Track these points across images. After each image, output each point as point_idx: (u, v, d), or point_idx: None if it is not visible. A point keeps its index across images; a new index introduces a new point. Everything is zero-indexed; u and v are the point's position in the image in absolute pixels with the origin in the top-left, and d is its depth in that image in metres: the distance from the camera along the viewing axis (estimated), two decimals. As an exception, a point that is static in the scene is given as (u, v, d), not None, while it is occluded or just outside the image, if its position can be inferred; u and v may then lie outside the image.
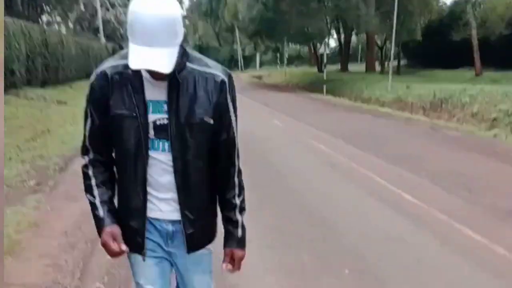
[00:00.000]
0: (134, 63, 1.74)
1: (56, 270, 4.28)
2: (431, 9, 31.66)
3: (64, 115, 14.74)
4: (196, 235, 2.10)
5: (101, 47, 32.66)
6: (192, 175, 2.01)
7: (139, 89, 1.92)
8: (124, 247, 1.97)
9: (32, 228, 5.30)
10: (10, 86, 14.58)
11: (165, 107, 1.92)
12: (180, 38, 1.82)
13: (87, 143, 2.05)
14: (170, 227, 2.07)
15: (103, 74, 1.95)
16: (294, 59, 56.37)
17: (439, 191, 7.07)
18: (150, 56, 1.73)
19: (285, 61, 47.01)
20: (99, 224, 2.01)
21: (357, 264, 4.52)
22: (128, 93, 1.91)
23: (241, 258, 2.15)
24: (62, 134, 11.97)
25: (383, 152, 9.85)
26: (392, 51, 24.12)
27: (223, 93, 1.98)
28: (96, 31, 41.40)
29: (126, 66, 1.83)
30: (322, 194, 6.93)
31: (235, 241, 2.14)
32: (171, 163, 1.97)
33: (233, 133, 2.07)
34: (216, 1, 58.93)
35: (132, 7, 1.76)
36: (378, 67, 35.71)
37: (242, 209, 2.15)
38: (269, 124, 14.56)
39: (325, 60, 28.36)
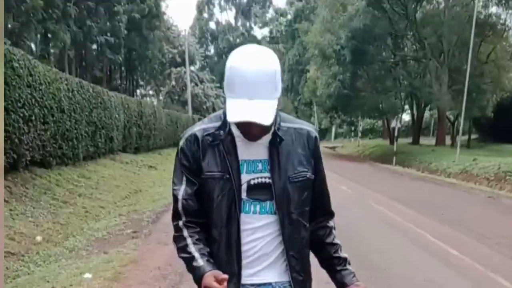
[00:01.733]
0: (234, 115, 1.74)
1: (153, 294, 5.49)
2: (503, 88, 31.97)
3: (154, 178, 16.57)
4: None
5: (188, 118, 35.16)
6: (299, 234, 1.95)
7: (232, 150, 1.88)
8: (226, 276, 1.79)
9: (132, 264, 6.51)
10: (108, 151, 16.57)
11: (260, 166, 1.90)
12: (279, 92, 1.81)
13: (179, 208, 1.96)
14: None
15: (194, 137, 1.93)
16: (368, 132, 57.30)
17: (483, 248, 7.88)
18: (251, 109, 1.72)
19: (359, 134, 48.14)
20: (199, 272, 1.84)
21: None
22: (220, 154, 1.88)
23: None
24: (152, 193, 13.64)
25: (438, 216, 10.68)
26: (461, 127, 24.70)
27: (317, 148, 2.02)
28: (184, 103, 44.63)
29: (218, 128, 1.89)
30: (376, 246, 7.86)
31: (353, 275, 2.04)
32: (267, 225, 1.92)
33: (326, 183, 2.10)
34: (297, 78, 61.62)
35: (231, 61, 1.77)
36: (450, 141, 35.95)
37: (341, 250, 2.11)
38: (336, 189, 15.22)
39: (396, 134, 29.29)
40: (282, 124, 1.95)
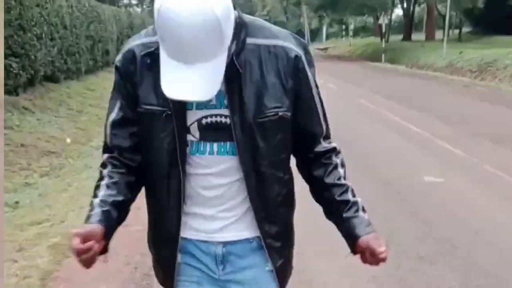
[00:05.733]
0: (166, 89, 1.30)
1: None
2: (494, -26, 32.03)
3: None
4: (284, 267, 1.63)
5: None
6: (272, 191, 1.52)
7: None
8: (78, 230, 1.36)
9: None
10: (105, 64, 17.35)
11: (213, 99, 1.41)
12: (228, 40, 1.32)
13: (108, 139, 1.56)
14: (219, 249, 1.56)
15: (131, 53, 1.48)
16: (360, 31, 57.47)
17: (438, 123, 9.72)
18: (188, 80, 1.28)
19: (350, 33, 48.46)
20: (85, 223, 1.44)
21: (367, 164, 6.78)
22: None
23: (383, 244, 1.49)
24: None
25: (411, 103, 12.40)
26: (447, 18, 25.36)
27: (301, 73, 1.48)
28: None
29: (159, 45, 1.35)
30: (352, 128, 9.41)
31: (367, 224, 1.54)
32: (229, 170, 1.49)
33: (322, 123, 1.59)
34: (285, -23, 60.78)
35: (157, 5, 1.25)
36: (441, 35, 36.54)
37: (354, 194, 1.60)
38: (325, 87, 16.48)
39: (384, 30, 29.96)
40: (249, 40, 1.42)
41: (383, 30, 30.42)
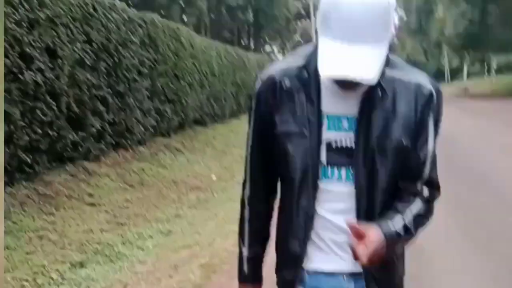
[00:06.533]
0: (326, 67, 1.29)
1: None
2: None
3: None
4: None
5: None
6: (378, 214, 1.47)
7: (315, 98, 1.46)
8: None
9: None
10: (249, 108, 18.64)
11: (345, 123, 1.45)
12: (391, 32, 1.32)
13: (247, 170, 1.64)
14: (346, 284, 1.52)
15: (271, 79, 1.50)
16: (503, 68, 54.53)
17: None
18: (350, 58, 1.27)
19: (493, 71, 46.22)
20: (240, 275, 1.70)
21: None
22: (300, 103, 1.46)
23: (374, 242, 1.34)
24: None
25: None
26: None
27: (428, 110, 1.48)
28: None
29: (301, 69, 1.47)
30: (490, 161, 9.38)
31: (385, 224, 1.42)
32: (352, 196, 1.48)
33: (426, 167, 1.51)
34: (425, 20, 60.06)
35: None
36: None
37: (413, 222, 1.47)
38: (460, 121, 16.18)
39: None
40: (388, 71, 1.44)
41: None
